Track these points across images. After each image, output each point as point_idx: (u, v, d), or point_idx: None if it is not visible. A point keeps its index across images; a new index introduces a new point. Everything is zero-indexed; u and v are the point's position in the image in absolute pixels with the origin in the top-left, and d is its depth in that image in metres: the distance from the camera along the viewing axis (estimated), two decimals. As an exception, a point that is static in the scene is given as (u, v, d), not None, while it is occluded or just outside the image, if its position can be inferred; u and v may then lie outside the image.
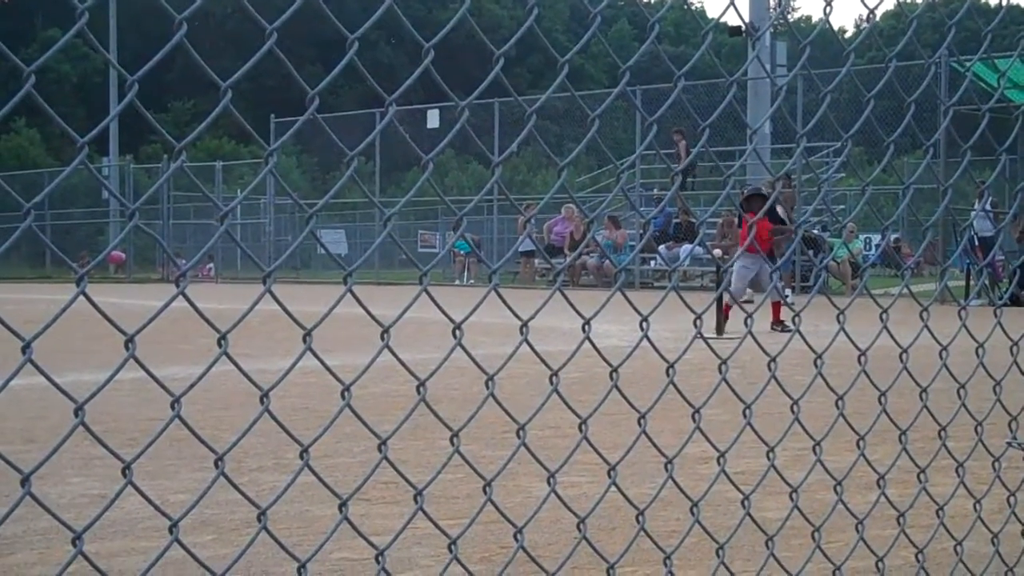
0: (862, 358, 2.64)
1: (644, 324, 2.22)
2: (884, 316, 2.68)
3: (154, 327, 1.55)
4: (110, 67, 45.66)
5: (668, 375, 2.28)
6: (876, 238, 29.64)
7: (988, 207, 19.89)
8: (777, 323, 13.19)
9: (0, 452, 1.42)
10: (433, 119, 30.77)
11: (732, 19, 28.71)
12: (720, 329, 12.67)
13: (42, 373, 1.45)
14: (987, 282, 19.47)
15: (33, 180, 36.30)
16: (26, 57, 1.43)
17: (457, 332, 1.91)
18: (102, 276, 34.70)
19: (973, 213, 19.41)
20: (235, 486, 1.72)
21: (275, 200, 34.99)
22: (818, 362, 2.58)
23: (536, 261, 29.24)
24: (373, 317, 1.82)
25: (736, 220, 22.76)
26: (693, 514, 2.41)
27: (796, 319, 2.54)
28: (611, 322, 12.53)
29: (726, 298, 12.58)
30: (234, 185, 37.55)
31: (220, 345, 1.62)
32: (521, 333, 2.00)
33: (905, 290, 2.83)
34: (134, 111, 1.56)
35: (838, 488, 2.71)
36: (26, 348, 1.41)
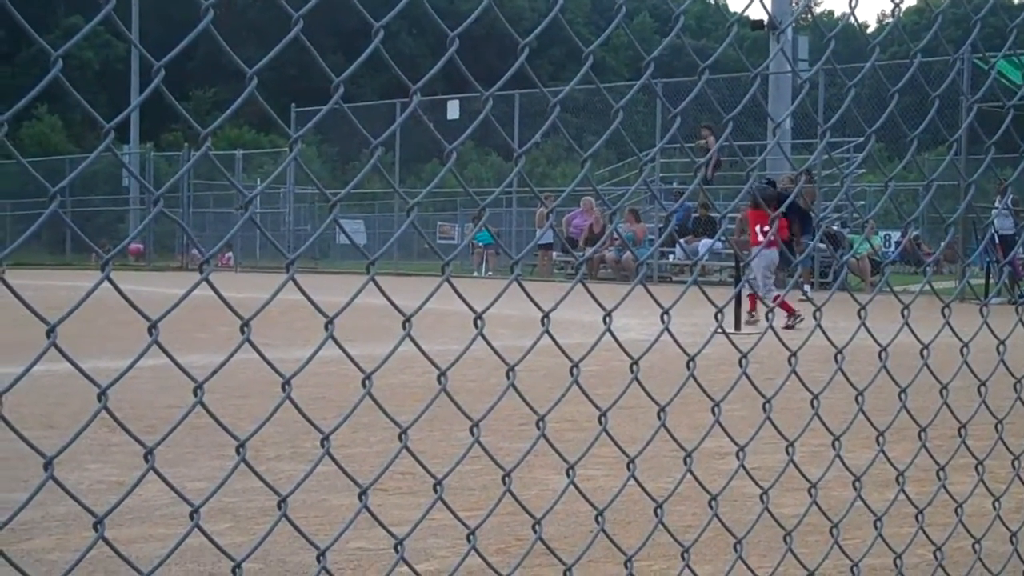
0: (883, 354, 2.63)
1: (665, 317, 2.22)
2: (905, 312, 2.67)
3: (172, 315, 1.55)
4: (132, 55, 45.79)
5: (689, 368, 2.27)
6: (895, 235, 29.54)
7: (1009, 204, 19.80)
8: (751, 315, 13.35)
9: (23, 436, 1.43)
10: (453, 110, 30.76)
11: (754, 13, 28.60)
12: (738, 324, 12.65)
13: (66, 358, 1.45)
14: (1007, 280, 19.39)
15: (55, 167, 36.38)
16: (48, 43, 1.43)
17: (478, 322, 1.91)
18: (121, 264, 34.79)
19: (994, 211, 19.33)
20: (256, 473, 1.72)
21: (295, 189, 35.04)
22: (838, 357, 2.57)
23: (554, 254, 29.20)
24: (395, 306, 1.82)
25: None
26: (712, 508, 2.40)
27: (817, 314, 2.53)
28: (629, 316, 12.51)
29: (748, 291, 12.69)
30: (254, 174, 37.60)
31: (243, 332, 1.62)
32: (542, 324, 1.99)
33: (926, 287, 2.82)
34: (156, 98, 1.56)
35: (856, 484, 2.70)
36: (50, 332, 1.42)
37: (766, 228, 14.42)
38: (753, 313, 13.28)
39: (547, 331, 1.99)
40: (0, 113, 1.36)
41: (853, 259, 22.99)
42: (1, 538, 1.47)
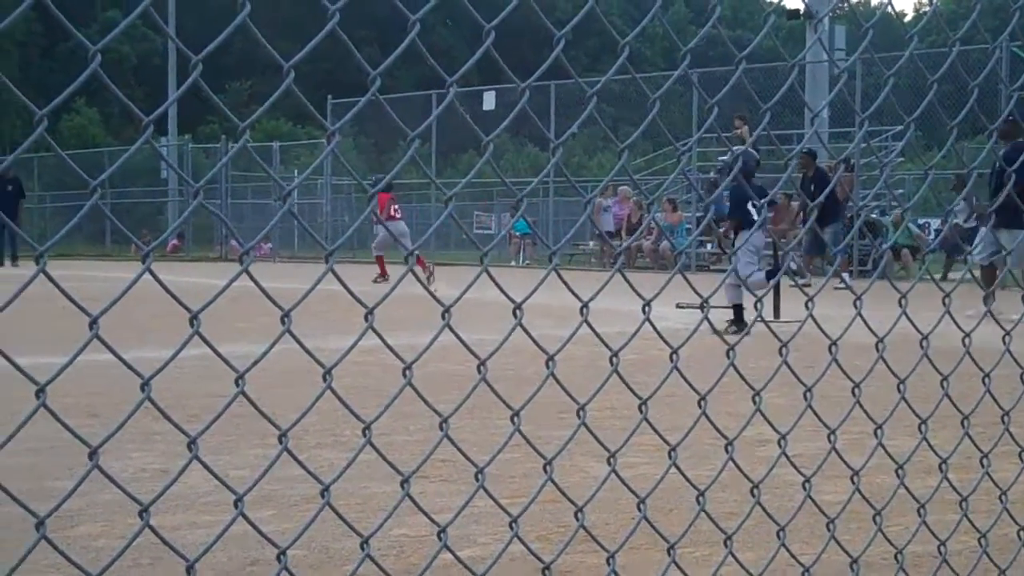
0: (924, 342, 2.62)
1: (704, 306, 2.22)
2: (947, 300, 2.66)
3: (213, 306, 1.56)
4: (169, 49, 45.99)
5: (728, 357, 2.27)
6: (935, 223, 29.30)
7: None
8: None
9: (68, 426, 1.44)
10: (489, 101, 30.74)
11: (789, 2, 28.54)
12: (777, 313, 12.59)
13: (109, 349, 1.47)
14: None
15: (94, 159, 36.63)
16: (87, 38, 1.45)
17: (517, 312, 1.91)
18: (160, 256, 35.00)
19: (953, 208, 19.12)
20: (299, 462, 1.73)
21: (332, 180, 35.10)
22: (879, 346, 2.56)
23: (591, 243, 29.14)
24: (434, 296, 1.83)
25: (791, 203, 22.59)
26: (754, 496, 2.40)
27: (857, 302, 2.52)
28: (667, 305, 12.51)
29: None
30: (291, 166, 37.71)
31: (283, 323, 1.64)
32: (581, 314, 2.00)
33: (967, 276, 2.80)
34: (194, 92, 1.57)
35: (899, 472, 2.69)
36: (93, 324, 1.43)
37: (397, 207, 17.59)
38: (383, 276, 13.98)
39: (586, 320, 1.99)
40: (39, 108, 1.37)
41: (892, 250, 22.78)
42: (48, 525, 1.48)
